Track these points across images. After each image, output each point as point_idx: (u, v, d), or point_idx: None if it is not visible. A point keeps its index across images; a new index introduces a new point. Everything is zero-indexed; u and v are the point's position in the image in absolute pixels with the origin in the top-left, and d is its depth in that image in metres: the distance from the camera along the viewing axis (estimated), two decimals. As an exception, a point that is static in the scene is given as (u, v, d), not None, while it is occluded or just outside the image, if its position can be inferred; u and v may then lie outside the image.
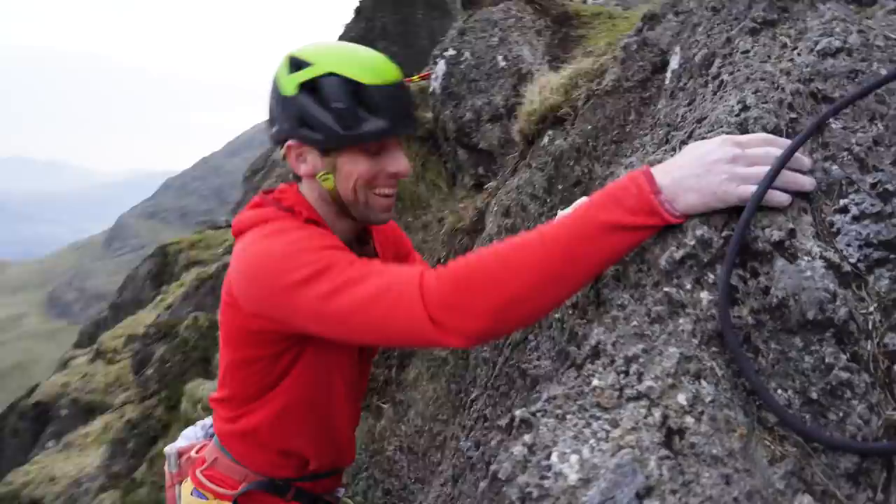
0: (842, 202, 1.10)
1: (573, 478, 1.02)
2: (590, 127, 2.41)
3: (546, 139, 2.64)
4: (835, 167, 1.14)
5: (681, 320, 1.11)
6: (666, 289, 1.13)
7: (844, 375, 0.98)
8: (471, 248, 3.26)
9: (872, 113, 1.18)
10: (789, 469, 0.97)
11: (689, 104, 1.58)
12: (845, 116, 1.20)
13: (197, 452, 1.90)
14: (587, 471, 1.02)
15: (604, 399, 1.11)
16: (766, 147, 1.13)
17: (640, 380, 1.09)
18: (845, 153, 1.15)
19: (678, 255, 1.14)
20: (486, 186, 3.52)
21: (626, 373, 1.12)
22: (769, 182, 1.07)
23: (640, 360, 1.11)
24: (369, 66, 1.49)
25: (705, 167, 1.11)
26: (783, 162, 1.07)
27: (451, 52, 4.32)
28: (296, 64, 1.51)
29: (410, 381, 3.33)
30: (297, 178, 1.69)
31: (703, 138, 1.32)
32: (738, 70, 1.44)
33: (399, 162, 1.57)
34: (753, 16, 1.59)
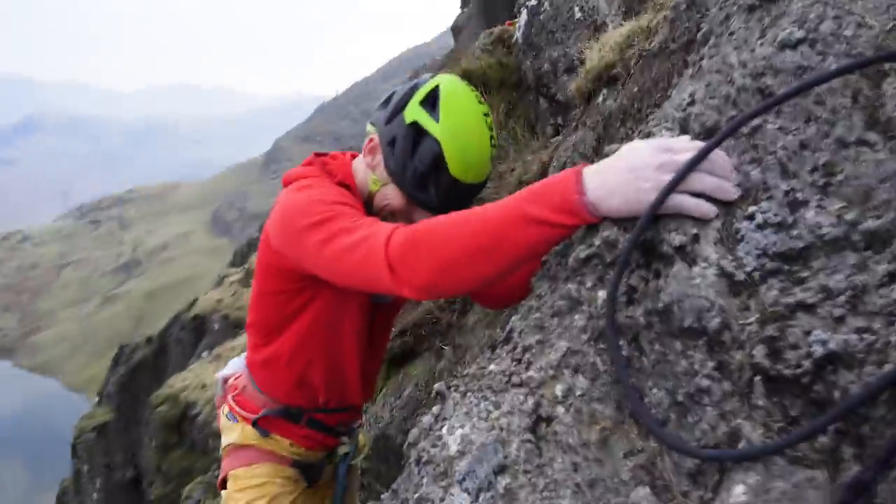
0: (751, 209, 1.09)
1: (454, 449, 1.13)
2: (636, 88, 2.36)
3: (601, 98, 2.61)
4: (756, 171, 1.13)
5: (576, 316, 1.16)
6: (569, 285, 1.18)
7: (705, 383, 1.01)
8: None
9: (808, 114, 1.14)
10: (640, 463, 1.03)
11: (678, 85, 1.56)
12: (785, 116, 1.16)
13: (235, 380, 2.16)
14: (465, 445, 1.12)
15: (495, 383, 1.19)
16: (694, 153, 1.13)
17: (527, 369, 1.16)
18: (771, 156, 1.13)
19: (584, 253, 1.18)
20: (552, 140, 3.51)
21: (519, 361, 1.19)
22: (668, 191, 1.08)
23: (534, 350, 1.18)
24: (469, 161, 1.67)
25: (634, 172, 1.13)
26: (684, 173, 1.08)
27: (533, 1, 4.24)
28: (431, 104, 1.68)
29: (469, 326, 3.47)
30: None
31: (650, 133, 1.33)
32: (713, 56, 1.41)
33: (421, 217, 1.70)
34: (755, -9, 1.53)
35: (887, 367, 0.87)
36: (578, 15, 3.57)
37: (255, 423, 2.02)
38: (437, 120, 1.65)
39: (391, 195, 1.75)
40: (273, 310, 1.88)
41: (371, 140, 1.79)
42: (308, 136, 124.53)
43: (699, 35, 1.71)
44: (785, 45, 1.25)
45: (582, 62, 2.92)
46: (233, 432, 2.07)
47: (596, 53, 2.67)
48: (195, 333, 21.41)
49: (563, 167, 2.73)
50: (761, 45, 1.29)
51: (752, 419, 0.97)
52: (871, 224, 0.97)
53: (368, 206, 1.80)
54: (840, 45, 1.22)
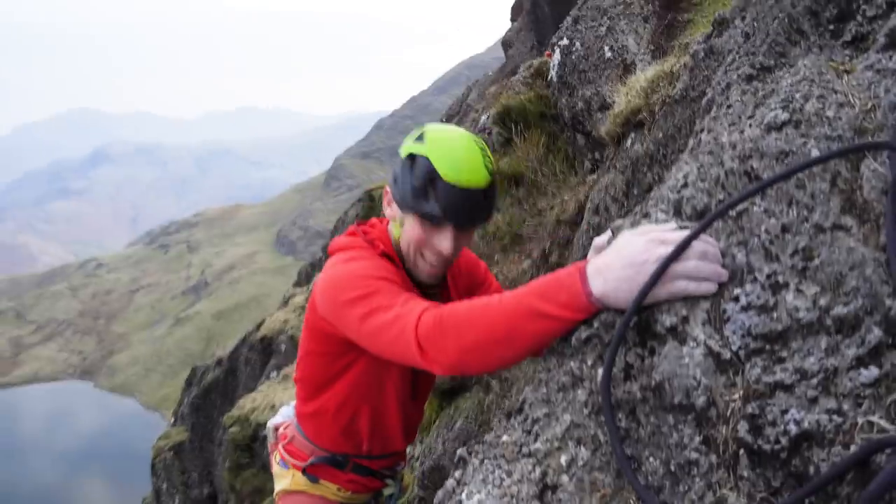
0: (736, 291, 1.18)
1: (470, 514, 1.25)
2: (661, 135, 2.44)
3: (629, 141, 2.69)
4: (741, 254, 1.22)
5: (578, 391, 1.27)
6: (572, 363, 1.29)
7: (693, 455, 1.11)
8: (571, 239, 3.38)
9: (790, 198, 1.22)
10: (637, 530, 1.12)
11: (678, 162, 1.65)
12: (770, 198, 1.25)
13: (285, 429, 2.32)
14: (480, 511, 1.24)
15: (507, 452, 1.31)
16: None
17: (535, 440, 1.28)
18: (755, 239, 1.22)
19: (584, 335, 1.29)
20: (588, 178, 3.59)
21: (529, 432, 1.31)
22: (651, 284, 1.19)
23: (541, 422, 1.29)
24: (455, 166, 1.77)
25: (635, 269, 1.24)
26: (664, 266, 1.19)
27: (564, 41, 4.33)
28: (419, 137, 1.84)
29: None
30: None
31: (648, 213, 1.43)
32: (711, 131, 1.50)
33: (444, 243, 1.85)
34: (754, 61, 1.62)
35: (853, 449, 0.96)
36: (609, 54, 3.65)
37: (304, 471, 2.18)
38: (424, 143, 1.81)
39: (408, 228, 1.87)
40: (319, 368, 2.04)
41: (385, 191, 1.97)
42: (367, 153, 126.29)
43: (704, 102, 1.80)
44: (771, 128, 1.34)
45: (611, 105, 3.00)
46: (284, 479, 2.24)
47: (623, 98, 2.75)
48: (263, 354, 21.93)
49: (596, 209, 2.83)
50: (750, 126, 1.39)
51: (737, 489, 1.06)
52: (841, 310, 1.06)
53: (402, 256, 1.94)
54: (822, 126, 1.31)
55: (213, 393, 21.85)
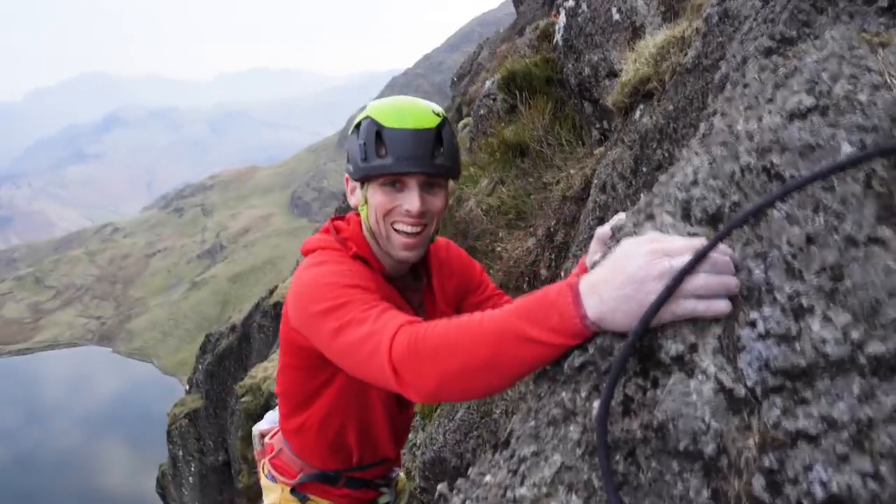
0: (752, 315, 1.01)
1: (449, 566, 1.10)
2: (671, 107, 2.24)
3: (637, 113, 2.49)
4: (758, 269, 1.04)
5: (571, 427, 1.10)
6: (564, 393, 1.13)
7: (701, 513, 0.94)
8: (577, 216, 3.19)
9: (817, 202, 1.04)
10: None
11: (690, 137, 1.46)
12: (793, 202, 1.07)
13: (270, 438, 2.18)
14: (459, 563, 1.09)
15: (491, 496, 1.15)
16: (691, 255, 1.05)
17: (521, 483, 1.12)
18: (776, 251, 1.04)
19: (578, 361, 1.12)
20: (595, 152, 3.38)
21: (515, 472, 1.15)
22: (660, 303, 1.01)
23: (528, 462, 1.13)
24: (398, 113, 1.67)
25: (634, 286, 1.05)
26: (674, 284, 1.01)
27: (570, 2, 4.06)
28: (363, 110, 1.75)
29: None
30: None
31: (651, 214, 1.25)
32: (725, 115, 1.31)
33: (410, 201, 1.68)
34: (773, 31, 1.42)
35: (893, 526, 0.79)
36: (616, 17, 3.40)
37: (293, 490, 2.04)
38: (365, 109, 1.74)
39: (372, 202, 1.72)
40: (298, 383, 1.88)
41: (346, 180, 1.83)
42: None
43: (717, 77, 1.61)
44: (794, 116, 1.15)
45: (619, 73, 2.79)
46: (272, 493, 2.10)
47: (631, 66, 2.54)
48: (276, 321, 21.90)
49: (603, 187, 2.63)
50: (770, 112, 1.19)
51: (751, 557, 0.91)
52: (877, 347, 0.88)
53: (377, 242, 1.78)
54: (853, 113, 1.12)
55: (226, 360, 21.95)
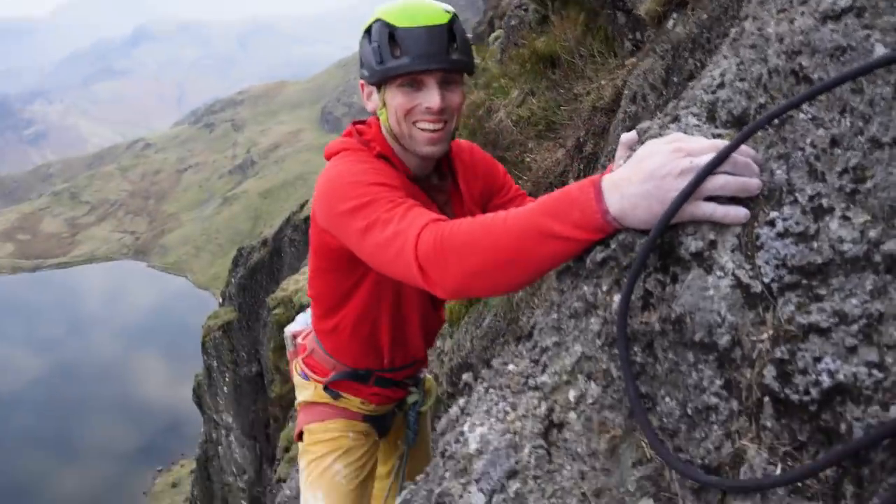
0: (772, 214, 1.03)
1: (473, 448, 1.18)
2: (705, 16, 2.20)
3: (671, 22, 2.44)
4: (780, 170, 1.06)
5: (592, 320, 1.15)
6: (585, 287, 1.17)
7: (713, 400, 1.00)
8: (607, 127, 3.17)
9: (844, 104, 1.04)
10: (647, 473, 1.03)
11: (712, 49, 1.45)
12: (819, 104, 1.07)
13: (303, 339, 2.27)
14: (482, 444, 1.17)
15: (513, 383, 1.22)
16: (713, 154, 1.07)
17: (543, 371, 1.18)
18: (799, 153, 1.05)
19: (600, 256, 1.16)
20: (626, 63, 3.32)
21: (537, 362, 1.21)
22: (681, 200, 1.04)
23: (550, 352, 1.19)
24: (408, 13, 1.67)
25: (655, 183, 1.07)
26: (699, 179, 1.03)
27: None
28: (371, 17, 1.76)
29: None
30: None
31: (677, 116, 1.26)
32: (757, 18, 1.30)
33: (430, 98, 1.71)
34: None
35: (893, 412, 0.83)
36: (654, -78, 3.29)
37: (325, 387, 2.13)
38: (373, 14, 1.75)
39: (391, 104, 1.75)
40: (331, 285, 1.94)
41: (361, 86, 1.86)
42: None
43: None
44: (827, 17, 1.14)
45: (654, -21, 2.73)
46: (306, 390, 2.20)
47: (666, -28, 2.48)
48: (306, 234, 22.09)
49: (633, 98, 2.61)
50: (802, 14, 1.18)
51: (758, 440, 0.96)
52: (893, 246, 0.90)
53: (398, 139, 1.81)
54: (891, 14, 1.10)
55: (258, 273, 22.36)
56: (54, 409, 57.22)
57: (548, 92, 4.61)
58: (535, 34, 5.53)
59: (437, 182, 1.96)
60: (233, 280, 24.11)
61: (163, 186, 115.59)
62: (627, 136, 1.45)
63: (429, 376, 2.38)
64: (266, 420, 18.90)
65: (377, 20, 1.71)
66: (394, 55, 1.67)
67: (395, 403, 2.26)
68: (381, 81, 1.73)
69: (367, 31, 1.75)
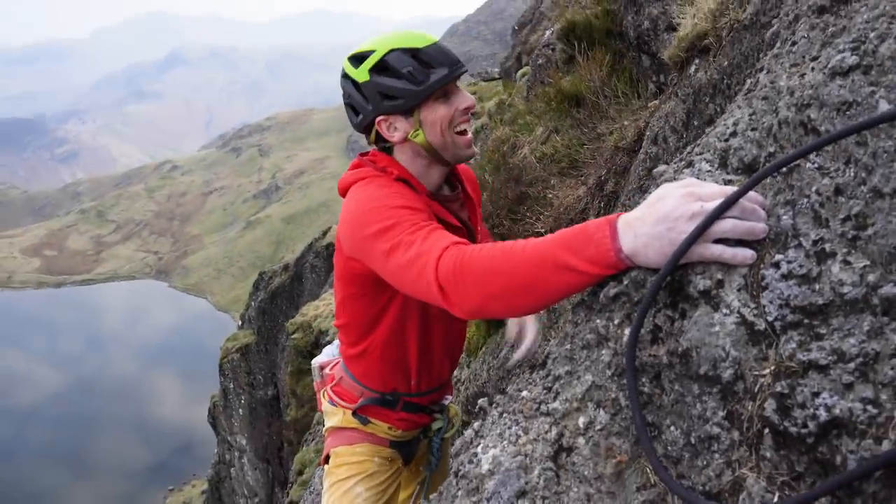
0: (777, 256, 1.09)
1: (485, 468, 1.24)
2: (726, 63, 2.27)
3: (693, 67, 2.52)
4: (787, 216, 1.12)
5: (603, 351, 1.21)
6: (598, 320, 1.23)
7: (715, 430, 1.05)
8: (628, 167, 3.24)
9: (849, 156, 1.11)
10: (650, 498, 1.09)
11: (727, 96, 1.52)
12: (825, 155, 1.14)
13: (331, 369, 2.35)
14: (494, 465, 1.23)
15: (526, 409, 1.27)
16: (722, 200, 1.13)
17: (555, 398, 1.24)
18: (805, 200, 1.11)
19: (613, 291, 1.22)
20: (650, 105, 3.40)
21: (549, 389, 1.27)
22: (690, 242, 1.10)
23: (562, 380, 1.25)
24: (415, 37, 1.81)
25: (667, 225, 1.14)
26: (708, 223, 1.09)
27: None
28: (358, 58, 1.84)
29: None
30: (387, 150, 1.96)
31: (691, 161, 1.33)
32: (770, 71, 1.37)
33: (465, 99, 1.88)
34: (829, -12, 1.46)
35: (885, 446, 0.88)
36: (680, -30, 3.39)
37: (354, 413, 2.20)
38: (373, 51, 1.82)
39: (431, 118, 1.84)
40: (360, 312, 2.02)
41: (379, 123, 1.89)
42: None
43: (768, 35, 1.65)
44: (835, 73, 1.20)
45: (677, 27, 2.80)
46: (335, 416, 2.27)
47: (689, 20, 2.56)
48: (328, 261, 22.29)
49: (655, 139, 2.68)
50: (813, 69, 1.25)
51: (758, 469, 1.01)
52: (890, 290, 0.96)
53: (435, 157, 1.90)
54: (895, 73, 1.16)
55: (279, 298, 22.52)
56: (71, 425, 57.56)
57: (572, 130, 4.69)
58: (562, 73, 5.63)
59: (450, 193, 2.06)
60: (253, 303, 24.30)
61: (188, 208, 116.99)
62: (658, 170, 1.52)
63: (452, 404, 2.43)
64: (280, 443, 18.91)
65: (389, 52, 1.80)
66: (429, 69, 1.80)
67: (421, 430, 2.32)
68: (419, 102, 1.82)
69: (378, 69, 1.82)
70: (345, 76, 1.90)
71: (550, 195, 4.46)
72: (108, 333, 77.32)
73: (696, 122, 2.45)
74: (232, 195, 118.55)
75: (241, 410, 22.05)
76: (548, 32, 7.19)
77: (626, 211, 1.24)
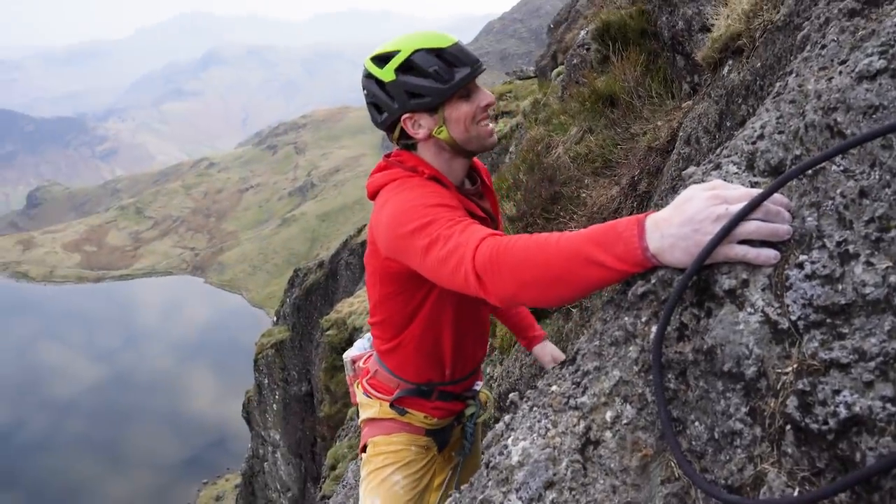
0: (801, 257, 1.12)
1: (515, 460, 1.28)
2: (759, 64, 2.28)
3: (726, 68, 2.53)
4: (811, 217, 1.14)
5: (630, 348, 1.25)
6: (626, 318, 1.27)
7: (738, 426, 1.08)
8: (661, 167, 3.25)
9: (874, 159, 1.13)
10: (674, 491, 1.12)
11: (759, 98, 1.54)
12: (851, 157, 1.16)
13: (364, 363, 2.42)
14: (524, 457, 1.27)
15: (555, 403, 1.32)
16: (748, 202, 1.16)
17: (583, 393, 1.28)
18: (830, 202, 1.14)
19: (641, 290, 1.25)
20: (683, 106, 3.39)
21: (578, 384, 1.31)
22: (715, 243, 1.13)
23: (591, 376, 1.29)
24: (435, 38, 1.88)
25: (693, 226, 1.17)
26: (732, 225, 1.13)
27: None
28: (382, 59, 1.91)
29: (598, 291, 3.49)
30: (410, 147, 2.01)
31: (719, 164, 1.35)
32: (799, 74, 1.39)
33: (486, 96, 1.96)
34: (861, -8, 1.47)
35: (903, 441, 0.91)
36: (714, -30, 3.38)
37: (391, 405, 2.27)
38: (398, 51, 1.88)
39: (455, 114, 1.92)
40: (397, 309, 2.10)
41: (404, 121, 1.96)
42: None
43: (799, 37, 1.67)
44: (863, 77, 1.22)
45: (711, 28, 2.81)
46: (371, 408, 2.34)
47: (723, 21, 2.57)
48: (362, 258, 22.34)
49: (687, 140, 2.69)
50: (840, 73, 1.27)
51: (779, 465, 1.03)
52: (911, 290, 0.98)
53: (458, 151, 1.98)
54: (923, 78, 1.18)
55: (313, 294, 22.74)
56: (107, 417, 58.68)
57: (605, 130, 4.70)
58: (596, 73, 5.64)
59: (471, 186, 2.14)
60: (288, 300, 24.57)
61: (224, 205, 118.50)
62: (688, 172, 1.55)
63: (484, 390, 2.49)
64: (313, 439, 19.13)
65: (414, 51, 1.86)
66: (453, 68, 1.87)
67: (455, 416, 2.38)
68: (444, 100, 1.89)
69: (404, 68, 1.88)
70: (368, 76, 1.96)
71: (584, 194, 4.47)
72: (144, 328, 78.71)
73: (728, 124, 2.46)
74: (267, 192, 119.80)
75: (275, 406, 22.33)
76: (582, 32, 7.18)
77: (657, 210, 1.27)
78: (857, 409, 0.96)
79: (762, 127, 1.29)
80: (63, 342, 73.85)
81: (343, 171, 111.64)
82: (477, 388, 2.44)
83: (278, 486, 22.59)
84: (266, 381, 22.69)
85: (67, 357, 70.32)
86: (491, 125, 1.99)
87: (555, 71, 13.80)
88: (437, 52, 1.86)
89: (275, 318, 27.80)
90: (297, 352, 21.44)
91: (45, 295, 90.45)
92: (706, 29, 3.29)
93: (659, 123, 3.56)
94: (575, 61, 7.19)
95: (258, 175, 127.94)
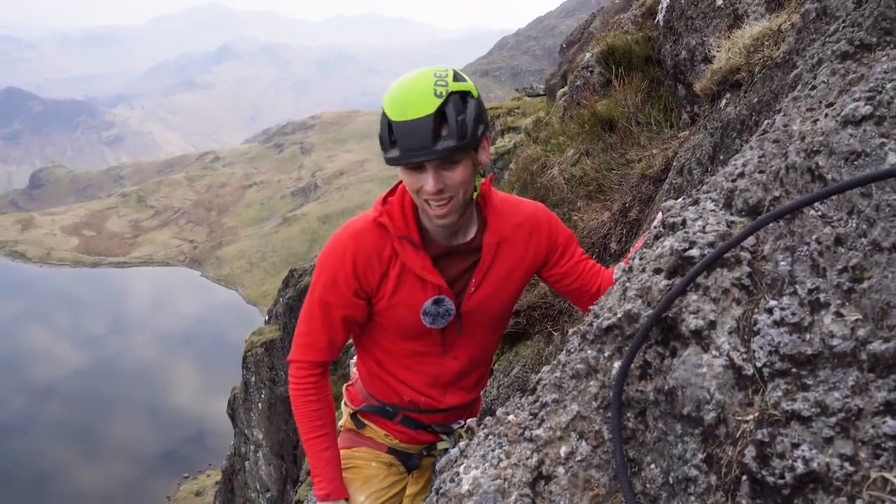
0: (772, 302, 1.08)
1: (465, 488, 1.24)
2: (756, 99, 2.25)
3: (723, 101, 2.50)
4: (784, 262, 1.11)
5: (591, 382, 1.21)
6: (589, 351, 1.23)
7: (693, 472, 1.04)
8: (653, 196, 3.21)
9: (852, 206, 1.10)
10: (623, 537, 1.08)
11: (754, 133, 1.51)
12: (830, 203, 1.13)
13: (355, 368, 2.41)
14: (473, 487, 1.23)
15: (511, 432, 1.28)
16: None
17: (539, 425, 1.24)
18: (805, 247, 1.11)
19: (606, 323, 1.22)
20: (680, 135, 3.37)
21: (535, 416, 1.27)
22: (674, 296, 1.10)
23: (549, 408, 1.25)
24: (398, 104, 1.72)
25: None
26: (691, 277, 1.10)
27: None
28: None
29: (579, 314, 3.49)
30: None
31: (697, 200, 1.32)
32: (787, 114, 1.36)
33: (426, 182, 1.78)
34: (854, 36, 1.45)
35: None
36: (720, 2, 3.35)
37: (353, 416, 2.25)
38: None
39: (403, 178, 1.87)
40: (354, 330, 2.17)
41: None
42: (487, 71, 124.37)
43: (791, 76, 1.64)
44: (847, 122, 1.19)
45: (712, 60, 2.79)
46: (343, 416, 2.32)
47: (724, 54, 2.54)
48: (359, 264, 22.32)
49: (680, 170, 2.66)
50: (826, 116, 1.24)
51: (733, 517, 1.00)
52: (878, 346, 0.95)
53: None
54: (908, 126, 1.15)
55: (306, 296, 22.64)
56: (86, 404, 58.16)
57: (602, 154, 4.67)
58: (598, 96, 5.62)
59: (463, 242, 2.01)
60: (281, 299, 24.47)
61: (226, 200, 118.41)
62: (666, 205, 1.52)
63: (462, 430, 2.36)
64: (295, 441, 18.99)
65: (383, 107, 1.77)
66: (392, 145, 1.77)
67: (425, 447, 2.32)
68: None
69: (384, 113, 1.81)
70: None
71: (575, 217, 4.44)
72: (134, 316, 78.39)
73: (721, 157, 2.43)
74: (270, 190, 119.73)
75: (260, 405, 22.21)
76: (587, 55, 7.17)
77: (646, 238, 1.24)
78: (814, 465, 0.92)
79: (744, 165, 1.26)
80: (49, 324, 73.42)
81: (347, 175, 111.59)
82: (457, 425, 2.33)
83: (258, 486, 22.45)
84: (253, 379, 22.58)
85: (52, 340, 69.91)
86: (440, 209, 1.82)
87: (560, 91, 13.81)
88: (387, 120, 1.77)
89: (267, 317, 27.71)
90: (287, 352, 21.26)
91: (40, 276, 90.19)
92: (708, 60, 3.27)
93: (654, 151, 3.54)
94: (578, 83, 7.17)
95: (262, 172, 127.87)
